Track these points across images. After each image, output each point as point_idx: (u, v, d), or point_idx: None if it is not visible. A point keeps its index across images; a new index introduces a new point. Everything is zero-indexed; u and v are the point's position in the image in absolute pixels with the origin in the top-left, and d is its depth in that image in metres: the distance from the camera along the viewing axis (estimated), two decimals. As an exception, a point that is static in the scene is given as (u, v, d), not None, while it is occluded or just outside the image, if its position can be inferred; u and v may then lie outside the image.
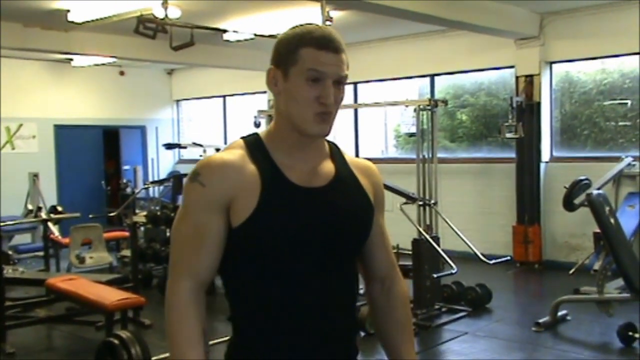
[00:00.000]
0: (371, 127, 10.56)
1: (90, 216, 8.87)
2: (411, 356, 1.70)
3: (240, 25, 7.86)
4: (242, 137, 1.57)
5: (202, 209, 1.47)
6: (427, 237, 6.03)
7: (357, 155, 10.10)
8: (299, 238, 1.47)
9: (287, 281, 1.49)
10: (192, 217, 1.48)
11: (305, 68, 1.45)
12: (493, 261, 6.14)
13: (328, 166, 1.58)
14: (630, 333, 5.03)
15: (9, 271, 6.46)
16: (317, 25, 1.50)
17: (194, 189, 1.48)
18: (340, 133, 10.75)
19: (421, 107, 6.49)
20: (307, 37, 1.47)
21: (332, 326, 1.53)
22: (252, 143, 1.54)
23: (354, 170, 1.62)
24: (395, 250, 6.86)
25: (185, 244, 1.50)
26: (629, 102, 7.82)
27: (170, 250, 1.55)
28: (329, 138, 1.61)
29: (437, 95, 9.00)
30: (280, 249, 1.47)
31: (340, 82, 1.49)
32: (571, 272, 6.53)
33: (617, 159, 7.43)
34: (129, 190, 10.53)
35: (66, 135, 11.52)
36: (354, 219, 1.56)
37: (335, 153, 1.62)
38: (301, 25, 1.51)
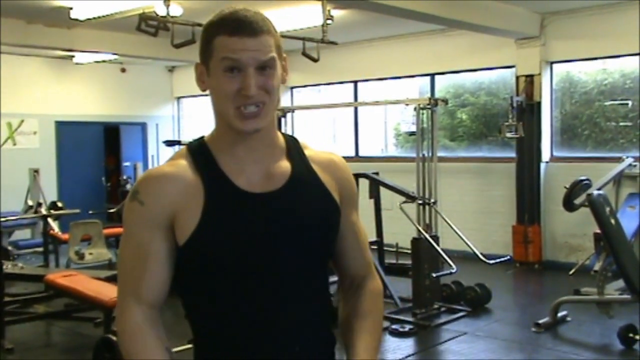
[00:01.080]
0: (371, 125, 10.55)
1: (90, 212, 8.88)
2: (366, 354, 1.44)
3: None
4: (187, 144, 1.45)
5: (143, 228, 1.35)
6: (427, 236, 6.03)
7: (357, 153, 10.11)
8: (252, 250, 1.34)
9: (246, 298, 1.35)
10: (134, 238, 1.36)
11: (219, 58, 1.32)
12: (493, 261, 6.13)
13: (283, 165, 1.42)
14: (631, 335, 5.03)
15: (8, 267, 6.47)
16: (233, 9, 1.35)
17: (133, 208, 1.36)
18: (340, 131, 10.76)
19: (421, 106, 6.49)
20: (220, 25, 1.34)
21: (304, 340, 1.40)
22: (196, 150, 1.41)
23: (315, 166, 1.46)
24: (394, 249, 6.89)
25: (129, 268, 1.37)
26: (629, 102, 7.82)
27: (118, 279, 1.42)
28: (292, 133, 1.49)
29: (438, 94, 8.99)
30: (233, 264, 1.33)
31: (265, 67, 1.33)
32: (571, 272, 6.53)
33: (618, 160, 7.42)
34: (129, 186, 10.52)
35: (67, 132, 11.52)
36: (314, 224, 1.41)
37: (293, 149, 1.46)
38: (220, 11, 1.37)
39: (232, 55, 1.31)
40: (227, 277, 1.34)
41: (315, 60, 6.60)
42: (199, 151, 1.41)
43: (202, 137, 1.45)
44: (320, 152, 1.51)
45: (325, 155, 1.51)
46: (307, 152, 1.48)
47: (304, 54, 6.58)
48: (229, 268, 1.34)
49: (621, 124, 7.95)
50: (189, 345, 1.48)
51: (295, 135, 1.54)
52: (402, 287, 6.32)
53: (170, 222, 1.35)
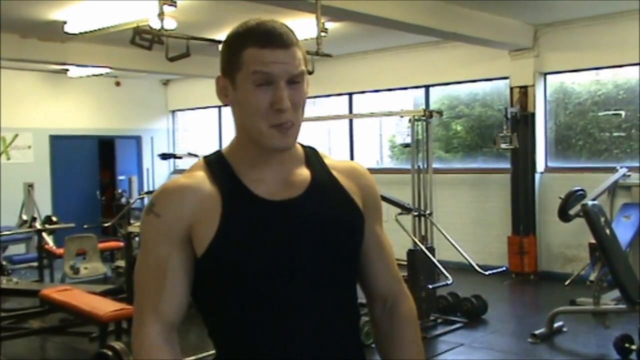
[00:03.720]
0: (366, 137, 10.57)
1: (85, 226, 8.84)
2: None
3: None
4: (204, 157, 1.42)
5: (160, 242, 1.32)
6: (423, 247, 6.02)
7: (352, 165, 10.10)
8: (271, 258, 1.30)
9: (269, 310, 1.31)
10: (151, 252, 1.33)
11: (249, 72, 1.28)
12: (489, 272, 6.13)
13: (303, 173, 1.39)
14: (627, 345, 5.01)
15: (3, 282, 6.44)
16: (260, 20, 1.31)
17: (149, 221, 1.33)
18: (335, 143, 10.77)
19: (416, 117, 6.51)
20: (248, 36, 1.29)
21: (329, 354, 1.35)
22: (214, 161, 1.38)
23: (336, 173, 1.42)
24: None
25: (146, 284, 1.33)
26: (622, 112, 7.86)
27: (134, 294, 1.38)
28: (306, 143, 1.47)
29: (432, 106, 9.02)
30: (253, 273, 1.29)
31: (295, 81, 1.30)
32: (567, 283, 6.52)
33: (612, 170, 7.44)
34: (124, 200, 10.50)
35: (62, 146, 11.51)
36: (336, 229, 1.36)
37: (312, 158, 1.43)
38: (244, 22, 1.32)
39: (264, 69, 1.27)
40: (246, 287, 1.31)
41: (309, 73, 6.56)
42: (216, 163, 1.38)
43: (220, 150, 1.42)
44: (340, 161, 1.48)
45: (346, 163, 1.48)
46: (326, 161, 1.45)
47: (299, 66, 6.59)
48: (248, 277, 1.30)
49: (615, 134, 7.98)
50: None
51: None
52: (398, 299, 6.30)
53: (187, 234, 1.31)
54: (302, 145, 1.45)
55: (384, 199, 6.40)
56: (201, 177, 1.35)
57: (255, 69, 1.27)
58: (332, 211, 1.37)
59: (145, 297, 1.33)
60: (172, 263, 1.31)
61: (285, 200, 1.34)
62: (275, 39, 1.28)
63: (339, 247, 1.37)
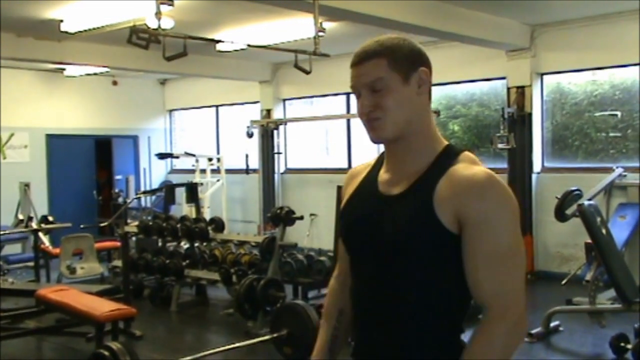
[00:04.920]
0: (364, 137, 10.55)
1: (82, 226, 8.81)
2: None
3: (233, 36, 7.87)
4: None
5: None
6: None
7: (349, 165, 10.11)
8: (359, 244, 1.60)
9: (356, 283, 1.63)
10: None
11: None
12: (485, 272, 6.12)
13: (415, 175, 1.52)
14: (623, 344, 5.03)
15: (-1, 282, 6.42)
16: (372, 39, 1.56)
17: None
18: (333, 143, 10.77)
19: (413, 117, 6.52)
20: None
21: (387, 340, 1.54)
22: (384, 153, 1.66)
23: (443, 182, 1.47)
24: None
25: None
26: (619, 113, 7.87)
27: None
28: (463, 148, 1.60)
29: (430, 106, 9.02)
30: (349, 251, 1.65)
31: (376, 88, 1.51)
32: (563, 282, 6.54)
33: (608, 170, 7.46)
34: (120, 200, 10.49)
35: (58, 145, 11.49)
36: (398, 233, 1.49)
37: (441, 160, 1.52)
38: None
39: (350, 83, 1.56)
40: (350, 261, 1.65)
41: (307, 73, 6.61)
42: (383, 154, 1.67)
43: None
44: (466, 168, 1.48)
45: (462, 175, 1.47)
46: (454, 167, 1.49)
47: (296, 66, 6.59)
48: (349, 253, 1.65)
49: (611, 134, 7.99)
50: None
51: (460, 151, 1.57)
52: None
53: None
54: (446, 147, 1.55)
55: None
56: (368, 165, 1.70)
57: (349, 84, 1.57)
58: (401, 218, 1.50)
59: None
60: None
61: (387, 195, 1.56)
62: (356, 58, 1.54)
63: (394, 254, 1.51)
